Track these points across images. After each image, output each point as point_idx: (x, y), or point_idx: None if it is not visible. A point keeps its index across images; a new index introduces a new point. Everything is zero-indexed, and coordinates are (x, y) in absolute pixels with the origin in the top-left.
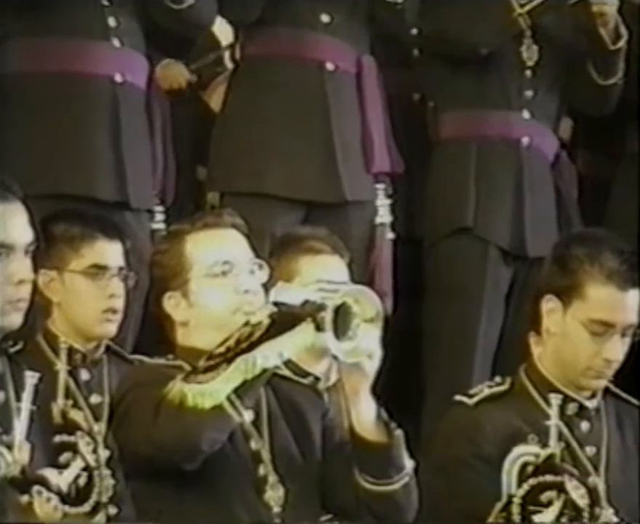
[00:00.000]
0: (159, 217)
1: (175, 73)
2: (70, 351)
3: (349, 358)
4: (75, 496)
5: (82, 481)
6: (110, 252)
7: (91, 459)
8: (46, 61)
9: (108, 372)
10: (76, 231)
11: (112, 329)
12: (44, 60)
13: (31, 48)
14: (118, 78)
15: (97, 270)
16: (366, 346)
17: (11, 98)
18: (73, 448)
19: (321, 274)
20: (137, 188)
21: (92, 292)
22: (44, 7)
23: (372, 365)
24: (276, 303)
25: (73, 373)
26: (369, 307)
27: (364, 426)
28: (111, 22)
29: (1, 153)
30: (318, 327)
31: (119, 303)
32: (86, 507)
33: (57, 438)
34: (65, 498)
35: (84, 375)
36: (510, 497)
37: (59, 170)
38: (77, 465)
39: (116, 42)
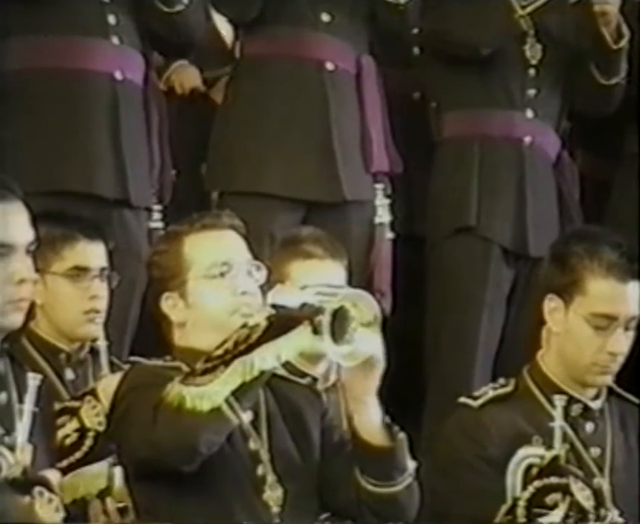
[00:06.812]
0: (157, 215)
1: (189, 76)
2: (55, 351)
3: (346, 362)
4: None
5: None
6: (92, 253)
7: None
8: (46, 58)
9: (93, 372)
10: (57, 233)
11: (95, 330)
12: (44, 57)
13: (31, 45)
14: (117, 75)
15: (78, 271)
16: (363, 350)
17: (11, 95)
18: None
19: (312, 278)
20: (137, 186)
21: (74, 294)
22: (44, 5)
23: (377, 370)
24: (273, 306)
25: (58, 373)
26: (366, 311)
27: (368, 431)
28: (111, 19)
29: (2, 150)
30: (316, 331)
31: (101, 304)
32: None
33: None
34: None
35: (69, 374)
36: (515, 499)
37: (59, 167)
38: None
39: (115, 40)
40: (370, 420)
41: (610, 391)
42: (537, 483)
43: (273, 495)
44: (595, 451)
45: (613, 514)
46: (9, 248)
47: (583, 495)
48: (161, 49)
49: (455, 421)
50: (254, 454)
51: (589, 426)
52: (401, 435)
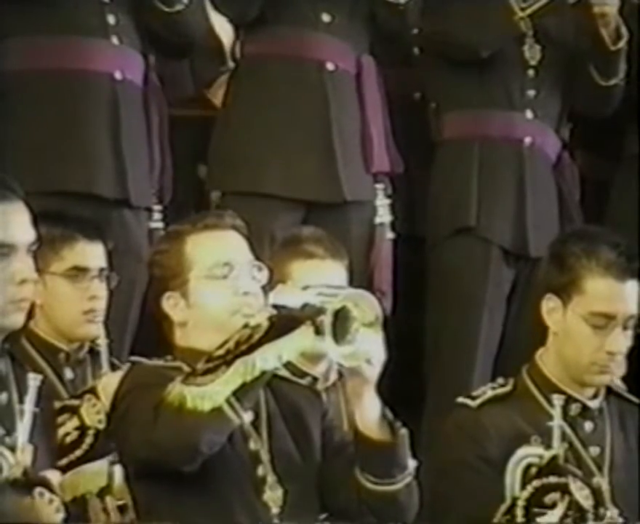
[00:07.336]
0: (157, 216)
1: None
2: (54, 350)
3: (348, 362)
4: None
5: None
6: (91, 253)
7: None
8: (46, 58)
9: (92, 372)
10: (57, 233)
11: (94, 330)
12: (44, 57)
13: (31, 46)
14: (117, 75)
15: (77, 272)
16: (365, 350)
17: (11, 96)
18: None
19: (313, 278)
20: (137, 186)
21: (73, 294)
22: (44, 5)
23: (373, 370)
24: (275, 306)
25: (57, 373)
26: (368, 311)
27: (368, 425)
28: (110, 20)
29: (2, 150)
30: (318, 331)
31: (100, 305)
32: None
33: None
34: None
35: (68, 374)
36: (514, 499)
37: (59, 167)
38: None
39: (115, 40)
40: (368, 413)
41: (609, 390)
42: (535, 483)
43: (273, 495)
44: (594, 450)
45: (612, 513)
46: (11, 248)
47: (582, 495)
48: (161, 49)
49: (454, 421)
50: (255, 454)
51: (588, 426)
52: (403, 431)
